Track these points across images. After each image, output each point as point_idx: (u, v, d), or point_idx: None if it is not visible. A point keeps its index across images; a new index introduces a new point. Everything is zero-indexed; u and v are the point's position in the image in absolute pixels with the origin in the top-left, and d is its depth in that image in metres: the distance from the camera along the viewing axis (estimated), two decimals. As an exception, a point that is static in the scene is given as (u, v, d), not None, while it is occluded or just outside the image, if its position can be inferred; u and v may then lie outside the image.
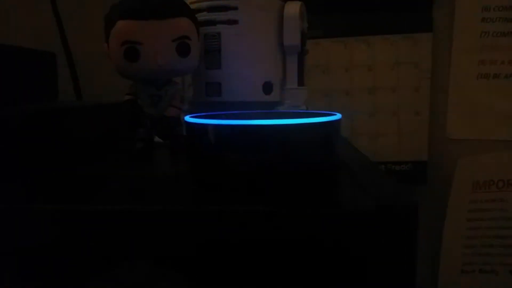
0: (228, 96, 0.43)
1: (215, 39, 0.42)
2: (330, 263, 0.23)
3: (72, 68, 0.60)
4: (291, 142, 0.26)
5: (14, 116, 0.32)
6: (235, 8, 0.41)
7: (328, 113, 0.29)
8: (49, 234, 0.25)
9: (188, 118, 0.29)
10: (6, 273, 0.27)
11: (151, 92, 0.39)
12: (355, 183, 0.27)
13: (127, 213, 0.24)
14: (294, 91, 0.45)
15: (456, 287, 0.61)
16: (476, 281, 0.61)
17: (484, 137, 0.60)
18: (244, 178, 0.26)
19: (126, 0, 0.36)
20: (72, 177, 0.33)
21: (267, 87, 0.44)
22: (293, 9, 0.43)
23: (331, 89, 0.61)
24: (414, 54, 0.60)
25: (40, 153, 0.34)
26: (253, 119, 0.26)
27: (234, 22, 0.42)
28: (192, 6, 0.42)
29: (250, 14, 0.42)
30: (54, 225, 0.25)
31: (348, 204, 0.23)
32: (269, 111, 0.41)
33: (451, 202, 0.60)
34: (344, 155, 0.34)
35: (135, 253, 0.26)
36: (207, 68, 0.43)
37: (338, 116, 0.29)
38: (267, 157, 0.26)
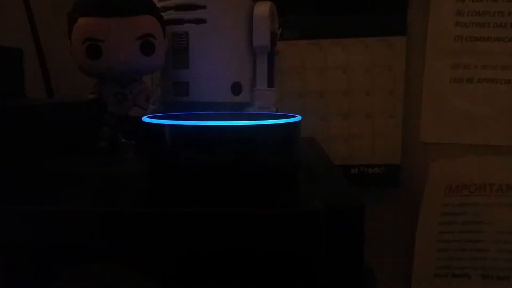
0: (196, 96, 0.42)
1: (183, 38, 0.41)
2: (277, 263, 0.23)
3: (43, 66, 0.59)
4: (246, 143, 0.25)
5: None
6: (204, 7, 0.41)
7: (290, 115, 0.29)
8: (7, 233, 0.24)
9: (145, 119, 0.29)
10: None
11: (115, 90, 0.39)
12: (311, 184, 0.27)
13: (81, 214, 0.24)
14: (264, 92, 0.44)
15: (429, 291, 0.61)
16: (450, 285, 0.61)
17: (457, 141, 0.60)
18: (197, 179, 0.26)
19: (88, -4, 0.36)
20: (31, 175, 0.32)
21: (236, 88, 0.43)
22: (262, 10, 0.42)
23: (305, 91, 0.60)
24: (389, 57, 0.60)
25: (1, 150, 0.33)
26: (213, 120, 0.25)
27: (202, 21, 0.41)
28: (159, 4, 0.41)
29: (218, 14, 0.41)
30: (12, 224, 0.24)
31: (297, 205, 0.23)
32: (234, 112, 0.41)
33: (424, 205, 0.60)
34: (307, 157, 0.34)
35: (90, 254, 0.25)
36: (175, 68, 0.42)
37: (297, 118, 0.28)
38: (220, 158, 0.25)
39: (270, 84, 0.45)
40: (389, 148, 0.60)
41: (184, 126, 0.25)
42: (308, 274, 0.22)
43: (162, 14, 0.39)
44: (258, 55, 0.44)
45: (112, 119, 0.38)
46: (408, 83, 0.60)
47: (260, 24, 0.42)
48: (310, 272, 0.22)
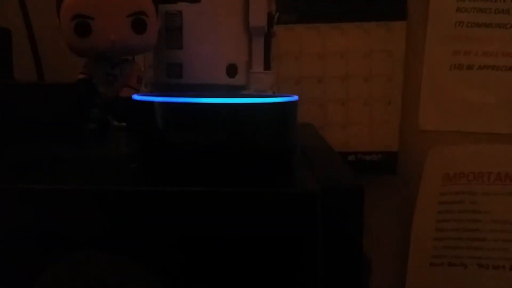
0: (190, 78, 0.41)
1: (176, 17, 0.40)
2: (271, 246, 0.22)
3: (33, 47, 0.57)
4: (241, 121, 0.24)
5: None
6: (198, -15, 0.39)
7: (285, 96, 0.28)
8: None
9: (135, 96, 0.28)
10: None
11: (105, 70, 0.37)
12: (308, 167, 0.26)
13: (68, 193, 0.23)
14: (260, 75, 0.43)
15: (425, 280, 0.61)
16: (445, 274, 0.61)
17: (455, 129, 0.59)
18: (190, 158, 0.25)
19: (77, -29, 0.34)
20: (20, 156, 0.31)
21: (231, 70, 0.42)
22: (259, -11, 0.41)
23: (303, 76, 0.59)
24: (388, 42, 0.58)
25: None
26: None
27: (197, 0, 0.40)
28: (152, -18, 0.40)
29: (214, -8, 0.40)
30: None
31: (293, 186, 0.22)
32: (228, 93, 0.40)
33: (421, 194, 0.59)
34: (304, 141, 0.33)
35: (80, 236, 0.24)
36: (168, 48, 0.41)
37: (293, 97, 0.27)
38: (214, 137, 0.24)
39: (267, 67, 0.43)
40: (387, 135, 0.59)
41: (176, 103, 0.24)
42: (303, 257, 0.21)
43: (155, -9, 0.38)
44: (254, 37, 0.42)
45: (102, 101, 0.37)
46: (407, 69, 0.59)
47: (256, 4, 0.41)
48: (306, 256, 0.21)
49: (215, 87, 0.41)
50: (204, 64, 0.41)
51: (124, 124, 0.39)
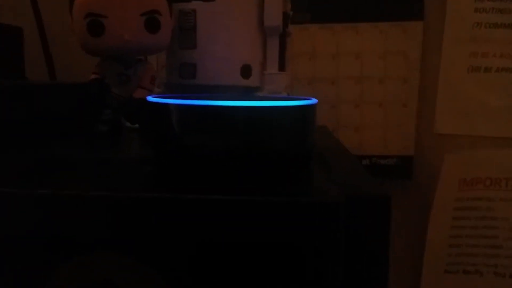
0: (204, 78, 0.40)
1: (190, 16, 0.39)
2: (290, 257, 0.21)
3: (45, 46, 0.57)
4: (260, 125, 0.23)
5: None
6: (213, -16, 0.39)
7: (304, 98, 0.27)
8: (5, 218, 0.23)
9: (150, 98, 0.27)
10: None
11: (118, 71, 0.37)
12: (327, 173, 0.25)
13: (79, 199, 0.22)
14: (275, 76, 0.42)
15: (439, 287, 0.59)
16: (459, 282, 0.59)
17: (473, 133, 0.58)
18: (206, 163, 0.24)
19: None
20: (31, 158, 0.30)
21: (246, 71, 0.41)
22: (275, -13, 0.40)
23: (316, 77, 0.58)
24: (404, 43, 0.57)
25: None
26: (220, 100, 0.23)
27: (211, -1, 0.39)
28: (166, -20, 0.39)
29: (228, -9, 0.39)
30: (11, 209, 0.22)
31: (314, 194, 0.21)
32: (245, 95, 0.39)
33: (437, 199, 0.58)
34: (320, 145, 0.32)
35: (89, 243, 0.23)
36: (181, 48, 0.40)
37: (313, 100, 0.26)
38: (232, 141, 0.23)
39: (282, 67, 0.42)
40: (402, 138, 0.58)
41: (194, 106, 0.23)
42: (324, 270, 0.20)
43: (169, -10, 0.37)
44: (269, 37, 0.41)
45: (114, 101, 0.36)
46: (424, 71, 0.57)
47: (272, 3, 0.40)
48: (327, 268, 0.20)
49: (229, 88, 0.40)
50: (218, 65, 0.40)
51: (137, 125, 0.38)
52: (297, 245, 0.20)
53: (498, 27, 0.56)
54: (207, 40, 0.39)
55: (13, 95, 0.34)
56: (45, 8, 0.56)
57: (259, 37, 0.41)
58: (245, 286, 0.22)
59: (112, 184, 0.24)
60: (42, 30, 0.56)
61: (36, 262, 0.24)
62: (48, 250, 0.24)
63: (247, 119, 0.23)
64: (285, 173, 0.24)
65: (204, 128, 0.23)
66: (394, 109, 0.58)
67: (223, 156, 0.23)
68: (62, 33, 0.54)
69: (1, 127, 0.32)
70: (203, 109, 0.22)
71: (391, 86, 0.58)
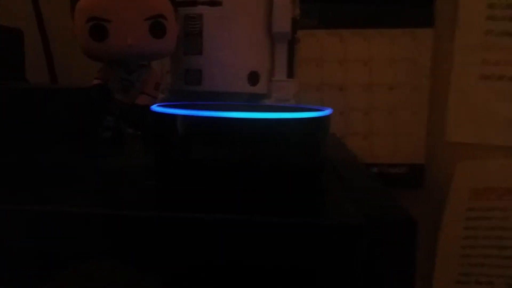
0: (210, 85, 0.39)
1: (196, 21, 0.38)
2: (309, 282, 0.19)
3: (46, 49, 0.55)
4: (273, 138, 0.22)
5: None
6: (219, -12, 0.37)
7: (317, 108, 0.25)
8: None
9: (154, 107, 0.25)
10: None
11: (121, 76, 0.35)
12: (343, 189, 0.23)
13: (76, 216, 0.20)
14: (283, 83, 0.41)
15: (450, 299, 0.58)
16: (471, 293, 0.58)
17: (484, 142, 0.56)
18: (213, 178, 0.22)
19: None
20: (29, 165, 0.29)
21: (253, 77, 0.40)
22: (284, -8, 0.38)
23: (323, 83, 0.57)
24: (413, 50, 0.56)
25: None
26: (230, 111, 0.22)
27: (218, 3, 0.37)
28: (172, -16, 0.37)
29: (235, -5, 0.38)
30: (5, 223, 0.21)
31: (331, 215, 0.19)
32: (254, 104, 0.37)
33: (448, 209, 0.56)
34: (333, 156, 0.30)
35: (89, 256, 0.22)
36: (187, 54, 0.38)
37: (327, 111, 0.25)
38: (242, 156, 0.22)
39: (290, 74, 0.41)
40: (412, 146, 0.56)
41: (202, 117, 0.21)
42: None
43: (174, -6, 0.36)
44: (277, 43, 0.40)
45: (117, 108, 0.35)
46: (434, 78, 0.56)
47: (281, 8, 0.39)
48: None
49: (236, 96, 0.39)
50: (224, 71, 0.38)
51: (139, 133, 0.37)
52: (311, 270, 0.19)
53: (511, 35, 0.55)
54: (214, 46, 0.38)
55: (12, 99, 0.33)
56: (46, 9, 0.55)
57: (267, 43, 0.40)
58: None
59: (111, 198, 0.23)
60: (43, 32, 0.55)
61: (32, 271, 0.23)
62: (43, 260, 0.23)
63: (259, 132, 0.21)
64: (298, 189, 0.23)
65: (213, 141, 0.21)
66: (404, 116, 0.56)
67: (232, 171, 0.22)
68: (63, 35, 0.53)
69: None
70: (212, 121, 0.21)
71: (401, 93, 0.56)
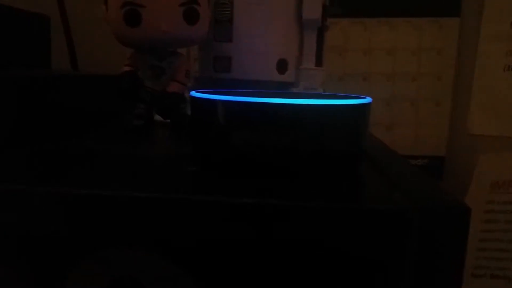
0: (239, 73, 0.39)
1: (227, 7, 0.37)
2: (355, 273, 0.19)
3: (67, 34, 0.55)
4: (316, 124, 0.22)
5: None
6: (251, -26, 0.37)
7: (355, 96, 0.25)
8: (31, 215, 0.21)
9: (194, 93, 0.25)
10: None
11: (152, 63, 0.35)
12: (381, 177, 0.23)
13: (113, 199, 0.21)
14: (311, 71, 0.40)
15: (465, 291, 0.58)
16: (487, 286, 0.58)
17: (507, 135, 0.56)
18: (255, 164, 0.22)
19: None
20: (60, 152, 0.29)
21: (282, 66, 0.39)
22: (315, -21, 0.38)
23: (346, 73, 0.56)
24: (439, 40, 0.55)
25: (26, 124, 0.30)
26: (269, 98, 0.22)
27: (249, -11, 0.37)
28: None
29: (267, -18, 0.37)
30: (39, 207, 0.21)
31: (378, 201, 0.19)
32: (284, 91, 0.37)
33: (467, 201, 0.56)
34: (368, 145, 0.30)
35: (123, 241, 0.22)
36: (216, 40, 0.38)
37: (367, 99, 0.25)
38: (285, 142, 0.22)
39: (319, 63, 0.41)
40: (434, 138, 0.56)
41: (247, 102, 0.21)
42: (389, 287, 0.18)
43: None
44: (306, 30, 0.40)
45: (148, 95, 0.35)
46: (459, 69, 0.55)
47: (311, -6, 0.38)
48: (392, 285, 0.18)
49: (264, 84, 0.39)
50: (254, 59, 0.38)
51: (168, 120, 0.36)
52: (357, 257, 0.19)
53: (538, 25, 0.54)
54: (243, 33, 0.38)
55: (42, 86, 0.33)
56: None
57: (297, 30, 0.40)
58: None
59: (148, 182, 0.23)
60: (65, 19, 0.54)
61: (56, 257, 0.23)
62: (68, 246, 0.23)
63: (306, 117, 0.21)
64: (341, 176, 0.23)
65: (258, 126, 0.21)
66: (427, 107, 0.56)
67: (275, 156, 0.22)
68: (85, 22, 0.53)
69: (30, 119, 0.31)
70: (259, 107, 0.21)
71: (424, 83, 0.56)
